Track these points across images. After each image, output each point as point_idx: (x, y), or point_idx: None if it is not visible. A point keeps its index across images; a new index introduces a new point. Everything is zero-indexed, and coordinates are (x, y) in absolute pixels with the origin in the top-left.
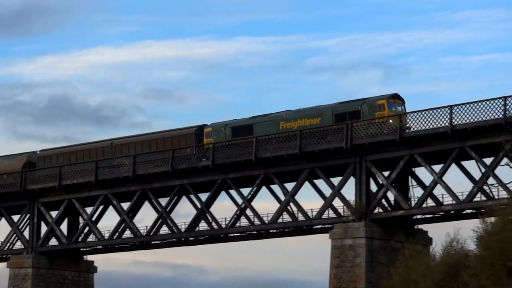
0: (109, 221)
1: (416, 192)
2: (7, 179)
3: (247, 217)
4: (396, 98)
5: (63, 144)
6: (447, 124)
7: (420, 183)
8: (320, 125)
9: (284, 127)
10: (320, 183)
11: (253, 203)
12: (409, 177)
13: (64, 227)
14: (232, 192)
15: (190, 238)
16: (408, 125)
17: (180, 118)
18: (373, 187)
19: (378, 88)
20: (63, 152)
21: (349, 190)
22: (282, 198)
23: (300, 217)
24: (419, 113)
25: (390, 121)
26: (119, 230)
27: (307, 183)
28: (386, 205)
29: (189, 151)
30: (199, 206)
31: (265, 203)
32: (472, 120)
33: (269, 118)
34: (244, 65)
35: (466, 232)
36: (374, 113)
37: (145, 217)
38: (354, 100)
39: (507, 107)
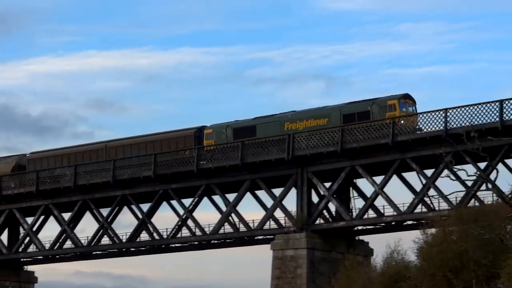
0: (50, 231)
1: (357, 203)
2: None
3: (189, 228)
4: (407, 99)
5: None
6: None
7: (361, 194)
8: (327, 126)
9: (289, 128)
10: (261, 194)
11: (195, 214)
12: (351, 188)
13: (4, 237)
14: (174, 202)
15: (132, 249)
16: (418, 126)
17: (122, 128)
18: (315, 198)
19: (320, 100)
20: (55, 154)
21: (291, 201)
22: (224, 208)
23: (242, 228)
24: (360, 125)
25: (402, 122)
26: (60, 241)
27: (248, 194)
28: (328, 216)
29: (188, 154)
30: (140, 216)
31: (207, 214)
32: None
33: (273, 119)
34: (186, 76)
35: (407, 243)
36: (385, 113)
37: (87, 227)
38: (364, 101)
39: (448, 119)
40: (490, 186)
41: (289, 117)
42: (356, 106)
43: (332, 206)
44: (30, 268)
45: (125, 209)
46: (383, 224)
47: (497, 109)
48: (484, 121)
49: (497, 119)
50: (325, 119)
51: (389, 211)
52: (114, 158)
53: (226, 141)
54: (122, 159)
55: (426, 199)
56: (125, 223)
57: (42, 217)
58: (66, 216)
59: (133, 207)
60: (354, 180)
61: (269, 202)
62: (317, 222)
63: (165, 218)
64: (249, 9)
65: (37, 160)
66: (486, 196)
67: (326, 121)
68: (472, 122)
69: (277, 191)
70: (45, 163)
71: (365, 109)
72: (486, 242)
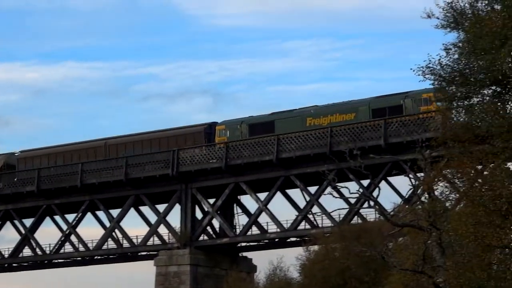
0: None
1: (241, 219)
2: None
3: (72, 244)
4: None
5: None
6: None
7: (245, 210)
8: (354, 121)
9: (311, 123)
10: (145, 209)
11: (78, 229)
12: (235, 205)
13: None
14: (57, 218)
15: (14, 264)
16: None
17: (7, 142)
18: (199, 214)
19: (207, 115)
20: (47, 153)
21: (175, 217)
22: (107, 224)
23: (125, 244)
24: (245, 141)
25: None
26: None
27: (132, 210)
28: (211, 232)
29: (198, 151)
30: (23, 231)
31: (90, 229)
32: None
33: (293, 114)
34: (72, 90)
35: (290, 260)
36: (419, 107)
37: None
38: (395, 94)
39: (332, 136)
40: (372, 203)
41: (311, 112)
42: (387, 100)
43: (216, 223)
44: None
45: (8, 224)
46: (266, 240)
47: (381, 127)
48: (368, 139)
49: (381, 137)
50: (352, 114)
51: (272, 227)
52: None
53: (241, 137)
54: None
55: (310, 216)
56: (8, 238)
57: None
58: None
59: (16, 222)
60: (238, 197)
61: (153, 218)
62: (201, 238)
63: (48, 234)
64: (134, 25)
65: (28, 159)
66: (369, 213)
67: (354, 116)
68: (356, 140)
69: (161, 207)
70: (37, 162)
71: (397, 103)
72: (368, 259)
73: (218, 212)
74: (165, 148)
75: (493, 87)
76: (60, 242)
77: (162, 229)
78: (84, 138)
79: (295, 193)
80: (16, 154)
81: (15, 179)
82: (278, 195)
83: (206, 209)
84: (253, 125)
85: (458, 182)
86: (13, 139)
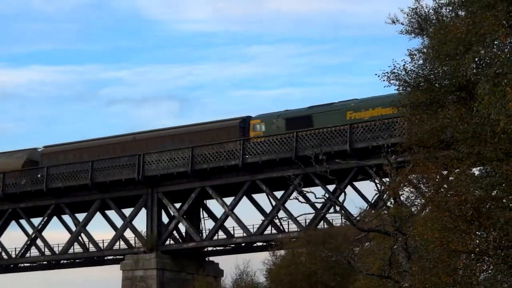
0: None
1: (207, 224)
2: None
3: (38, 248)
4: None
5: None
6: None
7: (211, 215)
8: (397, 115)
9: (352, 117)
10: (111, 213)
11: (44, 233)
12: (201, 209)
13: None
14: (23, 221)
15: None
16: None
17: None
18: (165, 219)
19: (174, 120)
20: (74, 148)
21: (141, 221)
22: (74, 228)
23: (91, 248)
24: (210, 147)
25: None
26: None
27: (98, 214)
28: (178, 236)
29: (233, 146)
30: None
31: (56, 233)
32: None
33: (333, 108)
34: (36, 94)
35: (256, 264)
36: None
37: None
38: None
39: (297, 141)
40: (338, 208)
41: (351, 105)
42: None
43: (182, 227)
44: None
45: None
46: (233, 245)
47: (347, 132)
48: (334, 143)
49: (347, 141)
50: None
51: (239, 232)
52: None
53: (278, 131)
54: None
55: (276, 220)
56: None
57: None
58: None
59: None
60: (205, 201)
61: (119, 222)
62: (167, 242)
63: (13, 237)
64: (99, 30)
65: (52, 155)
66: (335, 218)
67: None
68: (321, 145)
69: (127, 211)
70: (61, 157)
71: None
72: (334, 264)
73: (184, 216)
74: (199, 143)
75: (458, 93)
76: (26, 246)
77: (129, 233)
78: (46, 143)
79: (261, 198)
80: (39, 150)
81: None
82: (244, 199)
83: (172, 214)
84: (290, 119)
85: (424, 188)
86: None
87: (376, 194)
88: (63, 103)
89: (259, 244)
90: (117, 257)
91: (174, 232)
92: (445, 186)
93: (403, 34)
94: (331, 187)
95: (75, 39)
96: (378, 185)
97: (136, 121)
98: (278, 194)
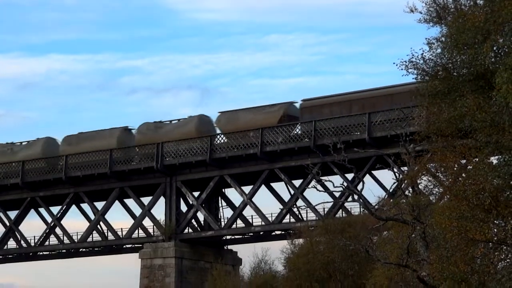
0: None
1: (226, 212)
2: None
3: (57, 236)
4: None
5: None
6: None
7: (230, 204)
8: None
9: None
10: (130, 202)
11: (63, 222)
12: (219, 198)
13: None
14: (42, 210)
15: None
16: None
17: None
18: (183, 207)
19: (192, 109)
20: (331, 102)
21: (160, 210)
22: (92, 217)
23: (110, 237)
24: (231, 135)
25: None
26: None
27: (117, 202)
28: (196, 225)
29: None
30: (7, 223)
31: (75, 222)
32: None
33: None
34: (56, 83)
35: (275, 253)
36: None
37: None
38: None
39: (316, 130)
40: (356, 197)
41: None
42: None
43: (200, 216)
44: None
45: None
46: (251, 234)
47: (365, 121)
48: (352, 132)
49: (365, 131)
50: None
51: (257, 221)
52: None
53: None
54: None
55: (294, 209)
56: None
57: None
58: None
59: (0, 214)
60: (223, 190)
61: (137, 211)
62: (186, 231)
63: (32, 226)
64: (118, 19)
65: (314, 108)
66: (353, 207)
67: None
68: (340, 134)
69: (146, 200)
70: (326, 110)
71: None
72: (352, 253)
73: (203, 205)
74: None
75: (476, 82)
76: (44, 235)
77: (147, 222)
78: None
79: (280, 187)
80: (298, 103)
81: None
82: (263, 188)
83: (190, 202)
84: None
85: (442, 176)
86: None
87: (395, 183)
88: (82, 92)
89: (278, 232)
90: (136, 245)
91: (193, 220)
92: (463, 175)
93: (421, 23)
94: (349, 176)
95: (92, 30)
96: (396, 174)
97: (156, 109)
98: (297, 182)
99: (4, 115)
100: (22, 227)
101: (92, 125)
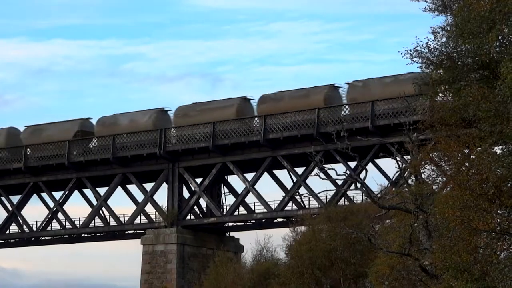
0: None
1: (228, 199)
2: None
3: (59, 221)
4: None
5: None
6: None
7: (232, 190)
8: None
9: None
10: (133, 188)
11: (65, 207)
12: (222, 185)
13: None
14: (44, 195)
15: (1, 241)
16: None
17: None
18: (186, 194)
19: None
20: None
21: (162, 196)
22: (95, 202)
23: (112, 222)
24: (232, 122)
25: None
26: None
27: (119, 188)
28: (198, 212)
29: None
30: (10, 208)
31: (77, 207)
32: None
33: None
34: (60, 68)
35: (277, 240)
36: None
37: None
38: None
39: (320, 118)
40: (359, 185)
41: None
42: None
43: (203, 202)
44: None
45: None
46: (253, 221)
47: (368, 109)
48: (355, 120)
49: (368, 119)
50: None
51: (259, 208)
52: None
53: None
54: None
55: (297, 197)
56: None
57: None
58: None
59: (3, 198)
60: (226, 177)
61: (140, 197)
62: (188, 217)
63: (35, 211)
64: (122, 5)
65: None
66: (356, 195)
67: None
68: (343, 122)
69: (148, 186)
70: None
71: None
72: (354, 241)
73: (205, 191)
74: None
75: (481, 71)
76: (47, 220)
77: (149, 208)
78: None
79: (282, 174)
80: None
81: None
82: (265, 175)
83: (193, 189)
84: None
85: (445, 166)
86: (5, 117)
87: (398, 171)
88: (86, 78)
89: (280, 220)
90: (138, 231)
91: (195, 207)
92: (467, 164)
93: (427, 12)
94: (352, 164)
95: (96, 15)
96: (399, 162)
97: (159, 96)
98: (299, 170)
99: (11, 98)
100: (25, 212)
101: (98, 111)
